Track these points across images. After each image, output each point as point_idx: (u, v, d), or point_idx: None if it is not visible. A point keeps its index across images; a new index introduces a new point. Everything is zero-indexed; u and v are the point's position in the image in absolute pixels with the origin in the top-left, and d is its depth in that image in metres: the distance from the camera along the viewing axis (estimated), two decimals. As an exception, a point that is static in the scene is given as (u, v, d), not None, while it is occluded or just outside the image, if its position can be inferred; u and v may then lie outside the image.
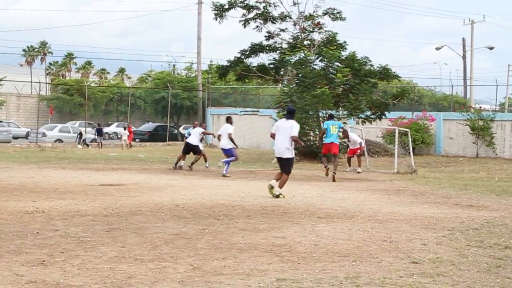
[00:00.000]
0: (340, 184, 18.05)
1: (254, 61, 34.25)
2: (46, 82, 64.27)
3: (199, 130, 23.35)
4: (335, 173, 19.54)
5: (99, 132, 40.96)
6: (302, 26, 32.58)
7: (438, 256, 8.08)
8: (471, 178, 20.98)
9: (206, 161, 23.52)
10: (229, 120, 21.54)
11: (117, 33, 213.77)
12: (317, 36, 32.58)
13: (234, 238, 9.08)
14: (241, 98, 51.54)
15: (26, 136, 46.00)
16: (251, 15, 33.09)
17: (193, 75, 59.63)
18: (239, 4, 32.80)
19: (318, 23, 32.51)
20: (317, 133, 29.34)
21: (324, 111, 28.97)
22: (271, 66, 33.30)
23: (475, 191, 16.51)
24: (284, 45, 32.98)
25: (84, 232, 9.36)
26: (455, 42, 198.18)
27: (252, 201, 13.40)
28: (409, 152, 24.93)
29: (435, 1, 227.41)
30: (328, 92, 27.89)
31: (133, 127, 45.60)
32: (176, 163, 22.87)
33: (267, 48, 33.48)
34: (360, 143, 24.16)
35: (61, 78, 75.72)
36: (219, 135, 21.43)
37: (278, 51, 33.17)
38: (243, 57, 33.96)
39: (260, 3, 32.54)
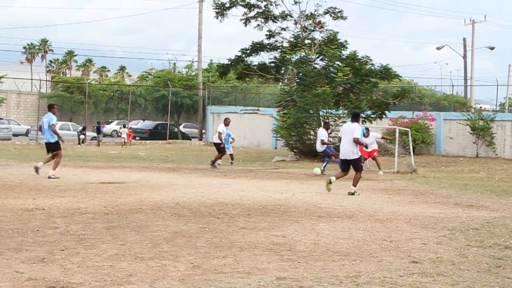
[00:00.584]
0: (340, 184, 18.04)
1: (255, 59, 34.36)
2: (47, 79, 64.24)
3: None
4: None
5: (98, 130, 40.96)
6: (303, 25, 32.59)
7: (438, 256, 8.08)
8: (471, 178, 20.97)
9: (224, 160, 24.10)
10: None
11: (118, 31, 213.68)
12: (318, 35, 32.66)
13: (234, 237, 9.08)
14: (241, 97, 51.54)
15: (26, 134, 46.05)
16: (252, 13, 33.12)
17: (193, 73, 59.61)
18: (240, 3, 32.83)
19: (319, 22, 32.54)
20: (317, 131, 29.33)
21: (325, 110, 28.99)
22: (272, 65, 33.34)
23: (475, 191, 16.51)
24: (285, 44, 33.01)
25: (84, 229, 9.36)
26: (456, 42, 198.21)
27: (252, 199, 13.39)
28: (409, 152, 24.92)
29: (436, 1, 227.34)
30: (328, 91, 27.90)
31: (130, 126, 45.45)
32: (213, 162, 23.36)
33: (268, 47, 33.51)
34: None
35: (62, 75, 75.79)
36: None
37: (279, 50, 33.20)
38: (243, 55, 33.99)
39: (261, 1, 32.61)
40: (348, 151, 15.02)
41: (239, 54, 33.97)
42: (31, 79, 52.64)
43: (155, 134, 47.54)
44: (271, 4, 32.73)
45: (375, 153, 23.01)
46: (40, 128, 18.45)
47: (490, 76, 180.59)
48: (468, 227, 10.44)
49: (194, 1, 57.49)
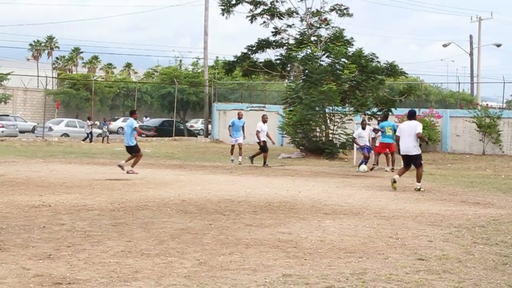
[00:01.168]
0: (346, 181, 18.04)
1: (260, 56, 34.30)
2: (53, 76, 64.32)
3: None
4: (393, 168, 21.57)
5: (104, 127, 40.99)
6: (309, 22, 32.53)
7: (445, 253, 8.07)
8: (477, 176, 20.93)
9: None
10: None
11: (124, 28, 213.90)
12: (324, 32, 32.57)
13: (240, 234, 9.09)
14: (247, 94, 51.49)
15: (33, 130, 46.09)
16: (258, 10, 33.10)
17: (199, 70, 59.54)
18: (246, 0, 32.79)
19: (325, 19, 32.47)
20: (324, 129, 29.34)
21: (331, 107, 28.94)
22: (278, 62, 33.30)
23: (482, 188, 16.46)
24: (291, 41, 32.98)
25: (91, 226, 9.38)
26: (462, 39, 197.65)
27: (258, 196, 13.39)
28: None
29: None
30: (334, 88, 27.85)
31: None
32: (264, 162, 22.99)
33: (274, 44, 33.48)
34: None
35: (68, 72, 75.86)
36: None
37: (284, 47, 33.17)
38: (249, 52, 33.97)
39: (267, -2, 32.55)
40: (410, 147, 15.63)
41: (245, 51, 33.95)
42: (37, 76, 52.67)
43: (161, 131, 47.53)
44: (277, 1, 32.72)
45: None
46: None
47: (496, 73, 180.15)
48: (475, 225, 10.42)
49: (200, -2, 57.38)
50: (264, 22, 33.46)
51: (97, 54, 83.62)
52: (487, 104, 46.29)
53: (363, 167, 21.50)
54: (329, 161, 26.66)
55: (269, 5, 32.78)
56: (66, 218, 10.05)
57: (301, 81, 30.63)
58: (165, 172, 18.97)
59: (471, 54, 62.17)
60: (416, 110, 37.01)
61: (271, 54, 33.87)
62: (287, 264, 7.31)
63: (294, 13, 32.83)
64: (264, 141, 23.20)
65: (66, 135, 41.65)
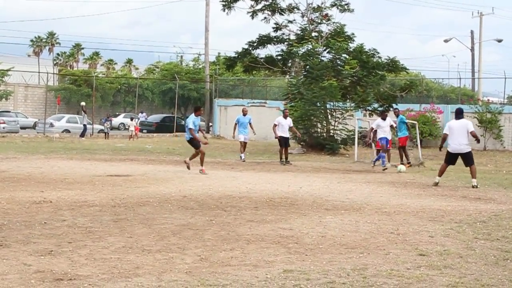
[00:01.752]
0: (347, 176, 18.04)
1: (262, 52, 34.33)
2: (54, 72, 64.29)
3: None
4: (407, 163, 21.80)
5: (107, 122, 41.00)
6: (310, 18, 32.54)
7: (446, 249, 8.07)
8: (478, 171, 20.86)
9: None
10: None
11: (125, 24, 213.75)
12: (325, 28, 32.60)
13: (241, 229, 9.09)
14: (248, 90, 51.46)
15: (34, 127, 46.11)
16: (259, 6, 33.11)
17: (200, 66, 59.57)
18: (247, -5, 32.81)
19: (326, 14, 32.47)
20: (325, 124, 29.34)
21: (332, 103, 28.93)
22: (279, 57, 33.31)
23: (483, 184, 16.46)
24: (292, 37, 32.98)
25: (92, 222, 9.39)
26: (463, 34, 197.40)
27: (259, 192, 13.40)
28: (417, 145, 24.86)
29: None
30: (335, 84, 27.84)
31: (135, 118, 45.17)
32: (284, 159, 22.44)
33: (275, 39, 33.48)
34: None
35: (69, 68, 75.80)
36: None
37: (285, 43, 33.17)
38: (250, 48, 33.97)
39: (268, -6, 32.54)
40: (462, 145, 15.71)
41: (246, 47, 33.95)
42: (39, 72, 52.73)
43: (162, 127, 47.55)
44: (278, -3, 32.72)
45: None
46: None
47: (497, 69, 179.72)
48: (476, 220, 10.42)
49: (201, -6, 57.31)
50: (265, 18, 33.49)
51: (98, 50, 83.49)
52: (488, 100, 46.10)
53: (401, 167, 20.29)
54: (330, 156, 26.66)
55: (270, 1, 32.81)
56: (67, 214, 10.06)
57: (302, 76, 30.63)
58: (166, 168, 18.97)
59: (472, 49, 62.11)
60: (417, 105, 37.20)
61: (272, 50, 33.94)
62: (288, 260, 7.31)
63: (295, 9, 32.83)
64: (281, 136, 22.51)
65: (67, 131, 41.65)
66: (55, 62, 78.46)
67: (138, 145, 31.34)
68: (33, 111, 55.34)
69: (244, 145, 23.67)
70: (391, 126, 22.15)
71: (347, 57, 29.57)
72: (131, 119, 41.34)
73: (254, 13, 33.36)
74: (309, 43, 29.99)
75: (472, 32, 62.92)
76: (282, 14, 33.24)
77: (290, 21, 33.22)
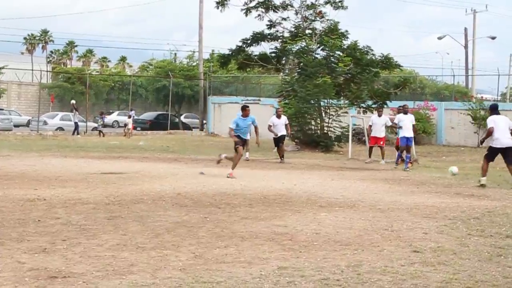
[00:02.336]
0: (341, 173, 18.06)
1: (255, 50, 34.26)
2: (47, 70, 64.14)
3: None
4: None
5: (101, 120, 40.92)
6: (304, 15, 32.51)
7: (439, 245, 8.10)
8: (472, 168, 20.95)
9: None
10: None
11: (118, 21, 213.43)
12: (318, 25, 32.56)
13: (235, 227, 9.09)
14: (242, 87, 51.44)
15: (27, 124, 45.96)
16: (253, 3, 33.06)
17: (194, 63, 59.47)
18: (241, -8, 32.76)
19: (320, 12, 32.44)
20: (319, 122, 29.36)
21: (326, 100, 28.95)
22: (273, 55, 33.30)
23: (476, 180, 16.48)
24: (286, 34, 32.94)
25: (86, 220, 9.37)
26: (457, 31, 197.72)
27: (253, 189, 13.39)
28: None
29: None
30: (329, 81, 27.87)
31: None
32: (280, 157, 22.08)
33: (269, 37, 33.43)
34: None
35: (63, 66, 75.69)
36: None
37: (279, 40, 33.14)
38: (244, 46, 33.92)
39: (262, -9, 32.50)
40: (508, 140, 15.30)
41: (240, 44, 33.89)
42: (32, 70, 52.48)
43: (156, 124, 47.48)
44: (271, -6, 32.68)
45: (381, 142, 22.94)
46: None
47: (491, 66, 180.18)
48: (469, 217, 10.45)
49: (195, -9, 57.29)
50: (259, 15, 33.42)
51: (91, 47, 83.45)
52: (482, 97, 46.27)
53: (454, 168, 18.33)
54: (324, 154, 26.68)
55: (264, -2, 32.74)
56: (61, 211, 10.04)
57: (296, 74, 30.64)
58: (160, 166, 18.94)
59: (466, 46, 62.17)
60: (411, 102, 37.24)
61: (266, 47, 33.87)
62: (283, 257, 7.32)
63: (289, 6, 32.80)
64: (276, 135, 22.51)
65: (61, 129, 41.54)
66: (48, 60, 78.35)
67: (132, 143, 31.30)
68: (27, 109, 55.16)
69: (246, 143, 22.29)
70: (392, 125, 22.24)
71: (341, 54, 29.56)
72: (129, 117, 41.24)
73: (248, 10, 33.31)
74: (303, 40, 29.99)
75: (465, 29, 62.97)
76: (276, 12, 33.21)
77: (284, 19, 33.18)
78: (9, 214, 9.70)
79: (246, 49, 34.06)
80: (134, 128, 42.68)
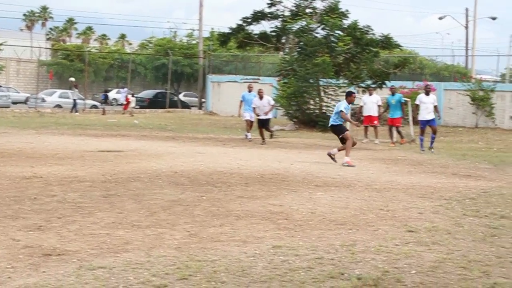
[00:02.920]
0: (338, 153, 18.02)
1: (255, 28, 34.14)
2: (46, 47, 63.95)
3: None
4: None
5: (105, 98, 40.85)
6: (304, -6, 32.32)
7: (434, 225, 8.12)
8: (469, 148, 21.00)
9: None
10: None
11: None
12: (319, 4, 32.40)
13: (231, 205, 9.11)
14: (241, 66, 51.32)
15: (25, 101, 45.85)
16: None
17: (194, 42, 59.28)
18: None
19: (321, -10, 32.26)
20: (317, 101, 29.30)
21: (325, 80, 28.88)
22: (273, 34, 33.19)
23: (473, 161, 16.52)
24: (286, 13, 32.78)
25: (82, 198, 9.38)
26: (458, 11, 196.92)
27: (250, 168, 13.41)
28: (409, 122, 24.85)
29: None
30: (329, 60, 27.80)
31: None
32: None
33: (269, 15, 33.28)
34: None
35: (62, 43, 75.35)
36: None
37: (280, 19, 33.00)
38: (245, 24, 33.80)
39: (263, -31, 32.29)
40: None
41: (240, 22, 33.76)
42: (31, 47, 52.39)
43: (154, 102, 47.41)
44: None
45: (375, 122, 23.04)
46: None
47: (491, 47, 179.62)
48: (465, 197, 10.47)
49: (195, -31, 56.83)
50: (259, -7, 33.25)
51: (91, 25, 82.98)
52: (481, 77, 46.17)
53: None
54: (322, 133, 26.61)
55: (265, -24, 32.54)
56: (57, 189, 10.05)
57: (295, 53, 30.52)
58: (158, 144, 18.93)
59: (466, 27, 61.96)
60: (410, 83, 37.18)
61: (266, 26, 33.75)
62: (278, 236, 7.34)
63: (290, -16, 32.61)
64: (259, 119, 21.15)
65: (59, 106, 41.46)
66: (47, 37, 78.02)
67: (130, 121, 31.26)
68: (25, 86, 55.05)
69: (250, 124, 22.15)
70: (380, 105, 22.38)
71: (341, 33, 29.47)
72: (132, 95, 41.06)
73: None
74: (303, 19, 29.88)
75: (466, 9, 62.71)
76: (277, -10, 33.03)
77: (284, -3, 33.01)
78: (5, 191, 9.71)
79: (246, 27, 33.94)
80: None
